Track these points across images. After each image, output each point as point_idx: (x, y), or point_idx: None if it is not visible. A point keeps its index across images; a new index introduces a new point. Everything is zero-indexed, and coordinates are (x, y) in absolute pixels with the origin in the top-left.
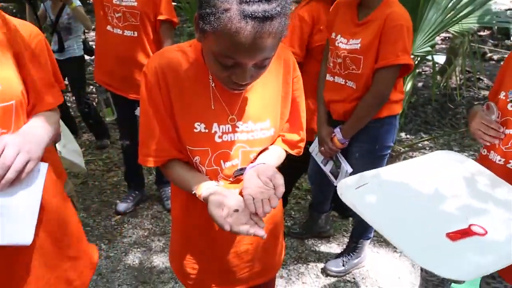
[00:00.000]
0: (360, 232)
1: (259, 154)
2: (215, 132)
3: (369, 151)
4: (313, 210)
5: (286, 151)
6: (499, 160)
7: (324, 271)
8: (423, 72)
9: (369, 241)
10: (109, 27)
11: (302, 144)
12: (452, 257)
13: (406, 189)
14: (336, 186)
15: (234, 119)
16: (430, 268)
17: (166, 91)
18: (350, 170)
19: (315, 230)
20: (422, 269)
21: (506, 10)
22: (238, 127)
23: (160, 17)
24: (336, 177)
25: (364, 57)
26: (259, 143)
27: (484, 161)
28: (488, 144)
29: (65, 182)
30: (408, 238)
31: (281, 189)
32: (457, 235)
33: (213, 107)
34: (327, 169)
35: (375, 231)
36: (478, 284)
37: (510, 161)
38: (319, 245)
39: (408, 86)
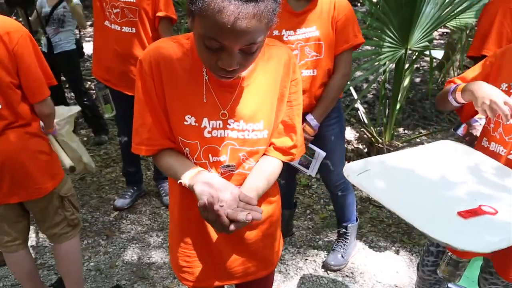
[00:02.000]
0: (344, 217)
1: (248, 153)
2: (205, 127)
3: (340, 130)
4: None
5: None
6: (502, 151)
7: (325, 267)
8: (421, 68)
9: (356, 224)
10: (107, 23)
11: (295, 151)
12: (466, 232)
13: (412, 174)
14: (310, 175)
15: (226, 115)
16: (445, 240)
17: (160, 81)
18: (324, 153)
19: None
20: (418, 268)
21: None
22: (229, 124)
23: (159, 14)
24: (307, 167)
25: (325, 42)
26: (250, 144)
27: (485, 152)
28: (492, 116)
29: (62, 181)
30: (420, 214)
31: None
32: (468, 214)
33: (205, 101)
34: (295, 162)
35: (369, 220)
36: (477, 281)
37: None
38: (317, 240)
39: (406, 81)
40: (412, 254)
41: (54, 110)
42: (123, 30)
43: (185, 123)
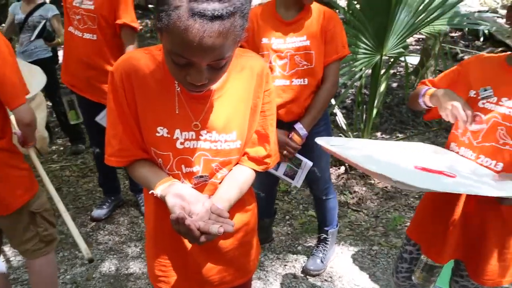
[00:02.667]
0: (326, 222)
1: (222, 163)
2: (177, 138)
3: (327, 136)
4: (260, 216)
5: (253, 169)
6: (471, 155)
7: (305, 272)
8: (397, 73)
9: (337, 229)
10: (71, 28)
11: (269, 160)
12: (425, 178)
13: (386, 153)
14: (294, 186)
15: (198, 126)
16: (405, 181)
17: (131, 93)
18: (311, 163)
19: (260, 237)
20: (393, 275)
21: (475, 12)
22: (202, 135)
23: (118, 21)
24: (293, 177)
25: (315, 52)
26: (223, 154)
27: None
28: (452, 121)
29: (34, 197)
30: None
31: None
32: (427, 169)
33: (177, 112)
34: (280, 172)
35: (349, 225)
36: (448, 284)
37: (481, 156)
38: (296, 245)
39: (382, 87)
40: (390, 257)
41: (35, 118)
42: (84, 36)
43: (157, 134)
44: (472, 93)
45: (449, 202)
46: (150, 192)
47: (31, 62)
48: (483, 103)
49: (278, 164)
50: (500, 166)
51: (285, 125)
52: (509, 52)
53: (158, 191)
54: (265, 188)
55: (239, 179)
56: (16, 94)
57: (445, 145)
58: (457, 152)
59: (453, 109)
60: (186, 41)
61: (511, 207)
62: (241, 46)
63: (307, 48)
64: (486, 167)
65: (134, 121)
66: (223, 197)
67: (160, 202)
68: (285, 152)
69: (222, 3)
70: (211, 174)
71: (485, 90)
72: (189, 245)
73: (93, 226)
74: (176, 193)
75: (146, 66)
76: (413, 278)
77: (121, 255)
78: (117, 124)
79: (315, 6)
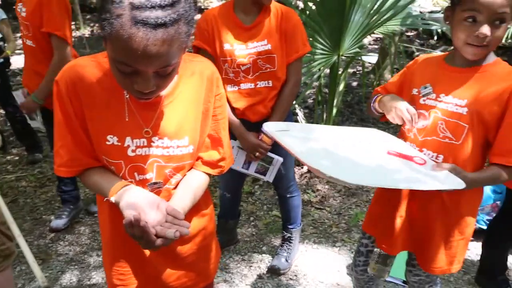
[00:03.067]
0: (291, 221)
1: (175, 169)
2: (128, 145)
3: None
4: (225, 218)
5: (208, 173)
6: (416, 149)
7: (270, 272)
8: (357, 72)
9: (300, 227)
10: (20, 34)
11: (224, 163)
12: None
13: (328, 138)
14: (267, 181)
15: (149, 132)
16: (335, 175)
17: (78, 102)
18: (281, 159)
19: (225, 239)
20: (352, 269)
21: (428, 12)
22: (153, 142)
23: (43, 30)
24: (264, 174)
25: (277, 55)
26: (176, 160)
27: None
28: (399, 122)
29: None
30: (324, 160)
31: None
32: (396, 154)
33: (127, 119)
34: (251, 170)
35: (311, 223)
36: (403, 274)
37: (424, 149)
38: (261, 245)
39: (341, 86)
40: (352, 252)
41: None
42: (27, 43)
43: (107, 143)
44: (414, 91)
45: (396, 196)
46: (105, 199)
47: None
48: (424, 100)
49: (249, 163)
50: (441, 157)
51: (252, 126)
52: (447, 52)
53: (112, 198)
54: (230, 189)
55: (193, 185)
56: None
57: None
58: None
59: (397, 111)
60: (130, 50)
61: (452, 198)
62: (198, 50)
63: (269, 52)
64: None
65: (82, 130)
66: (178, 205)
67: (115, 208)
68: (257, 154)
69: (165, 10)
70: (165, 180)
71: (425, 87)
72: (147, 252)
73: (52, 237)
74: (129, 202)
75: (92, 74)
76: (368, 270)
77: (82, 266)
78: (66, 134)
79: (272, 6)
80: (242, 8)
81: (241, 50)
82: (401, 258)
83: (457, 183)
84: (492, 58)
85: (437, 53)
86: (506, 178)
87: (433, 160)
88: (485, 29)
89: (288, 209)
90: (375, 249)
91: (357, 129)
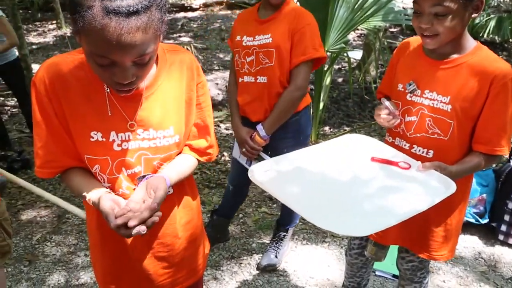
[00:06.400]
0: (288, 220)
1: (163, 160)
2: (113, 140)
3: (296, 144)
4: (218, 213)
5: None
6: (405, 145)
7: (260, 268)
8: (342, 68)
9: (294, 227)
10: None
11: (212, 150)
12: (350, 216)
13: (315, 169)
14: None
15: (134, 125)
16: (328, 228)
17: (57, 101)
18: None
19: (215, 235)
20: (346, 254)
21: (410, 8)
22: (139, 135)
23: None
24: None
25: (276, 50)
26: (163, 151)
27: (391, 147)
28: (387, 125)
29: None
30: (312, 207)
31: (156, 200)
32: (380, 160)
33: (109, 114)
34: (247, 165)
35: (302, 220)
36: (395, 264)
37: (414, 146)
38: (251, 242)
39: (327, 82)
40: (342, 247)
41: None
42: None
43: (92, 139)
44: (400, 87)
45: None
46: (86, 199)
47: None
48: (410, 97)
49: (251, 161)
50: (431, 153)
51: (254, 124)
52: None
53: (90, 197)
54: (234, 183)
55: (179, 161)
56: None
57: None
58: (392, 142)
59: (378, 119)
60: (105, 41)
61: None
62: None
63: (268, 46)
64: (419, 155)
65: (64, 130)
66: (164, 174)
67: None
68: (243, 149)
69: None
70: (154, 172)
71: (410, 85)
72: (137, 249)
73: (38, 238)
74: (108, 196)
75: (70, 71)
76: (365, 252)
77: (70, 266)
78: (45, 135)
79: (291, 7)
80: (263, 5)
81: (248, 42)
82: (392, 251)
83: (450, 188)
84: (471, 45)
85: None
86: (484, 166)
87: (423, 156)
88: (424, 21)
89: (289, 210)
90: None
91: (339, 140)
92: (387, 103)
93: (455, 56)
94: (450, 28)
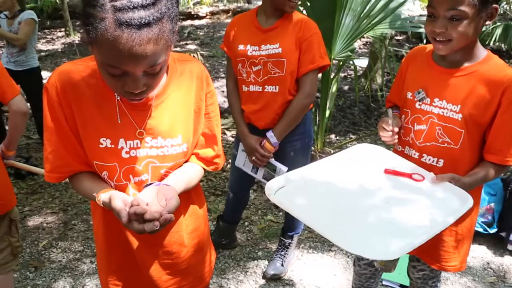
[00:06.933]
0: (292, 229)
1: (170, 168)
2: (122, 147)
3: (302, 147)
4: (222, 219)
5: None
6: (414, 154)
7: (266, 277)
8: (348, 76)
9: (299, 235)
10: None
11: (218, 160)
12: (375, 241)
13: (329, 185)
14: (261, 186)
15: (143, 133)
16: (357, 252)
17: (68, 107)
18: (285, 168)
19: (220, 241)
20: (354, 264)
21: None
22: (147, 142)
23: None
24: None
25: (287, 60)
26: (170, 159)
27: (400, 155)
28: (388, 141)
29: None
30: (334, 227)
31: (168, 208)
32: (393, 172)
33: (119, 121)
34: (259, 176)
35: (307, 227)
36: (406, 270)
37: (424, 154)
38: (256, 251)
39: (333, 89)
40: (348, 256)
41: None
42: None
43: (101, 146)
44: (409, 95)
45: None
46: (93, 194)
47: (21, 72)
48: (420, 105)
49: (257, 168)
50: (441, 162)
51: (260, 132)
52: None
53: (100, 196)
54: (235, 189)
55: (186, 170)
56: (12, 84)
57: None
58: (402, 151)
59: (380, 132)
60: (117, 52)
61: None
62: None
63: (279, 56)
64: (429, 164)
65: (74, 136)
66: (170, 183)
67: (109, 214)
68: (253, 158)
69: (148, 10)
70: (161, 180)
71: (419, 93)
72: (144, 257)
73: (45, 244)
74: (117, 195)
75: (81, 78)
76: (375, 264)
77: (76, 273)
78: (56, 141)
79: (295, 15)
80: (264, 11)
81: (254, 51)
82: (401, 260)
83: (467, 203)
84: (482, 54)
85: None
86: (494, 176)
87: (434, 165)
88: (438, 25)
89: (292, 217)
90: None
91: (350, 151)
92: (390, 114)
93: (466, 64)
94: (463, 34)
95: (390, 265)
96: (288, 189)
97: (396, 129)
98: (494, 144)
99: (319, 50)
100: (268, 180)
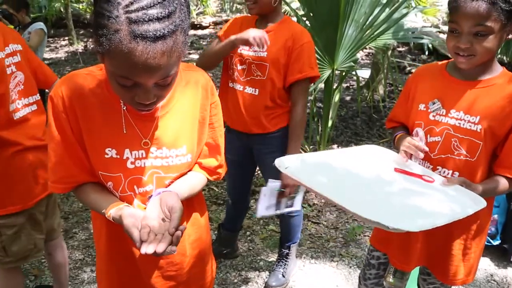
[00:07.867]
0: (289, 238)
1: (175, 179)
2: (127, 158)
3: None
4: (226, 228)
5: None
6: (428, 167)
7: None
8: (350, 86)
9: (297, 243)
10: None
11: (221, 170)
12: (396, 213)
13: (344, 168)
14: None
15: (148, 143)
16: (376, 219)
17: (74, 117)
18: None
19: (221, 250)
20: (360, 282)
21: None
22: (152, 153)
23: None
24: (292, 205)
25: (270, 65)
26: (175, 170)
27: None
28: (412, 152)
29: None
30: (351, 199)
31: (174, 223)
32: (403, 171)
33: (125, 131)
34: (282, 208)
35: (309, 237)
36: (416, 281)
37: (438, 167)
38: (258, 261)
39: (336, 100)
40: (351, 267)
41: None
42: None
43: (106, 156)
44: (421, 107)
45: None
46: (102, 211)
47: None
48: (434, 116)
49: (279, 203)
50: (456, 175)
51: (232, 132)
52: (445, 62)
53: (110, 212)
54: (232, 196)
55: (190, 177)
56: (51, 71)
57: None
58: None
59: (403, 148)
60: (131, 64)
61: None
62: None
63: (263, 60)
64: (444, 177)
65: (79, 146)
66: (173, 189)
67: (112, 223)
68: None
69: (163, 22)
70: None
71: (433, 103)
72: (145, 269)
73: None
74: (129, 212)
75: (87, 87)
76: (384, 283)
77: (76, 282)
78: (61, 151)
79: (290, 23)
80: (261, 14)
81: (243, 49)
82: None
83: (480, 203)
84: (498, 70)
85: None
86: (508, 189)
87: (447, 177)
88: (463, 41)
89: (288, 228)
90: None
91: (358, 149)
92: (421, 133)
93: (483, 77)
94: (488, 49)
95: (400, 285)
96: (301, 167)
97: (427, 148)
98: (508, 158)
99: (309, 60)
100: (291, 206)
